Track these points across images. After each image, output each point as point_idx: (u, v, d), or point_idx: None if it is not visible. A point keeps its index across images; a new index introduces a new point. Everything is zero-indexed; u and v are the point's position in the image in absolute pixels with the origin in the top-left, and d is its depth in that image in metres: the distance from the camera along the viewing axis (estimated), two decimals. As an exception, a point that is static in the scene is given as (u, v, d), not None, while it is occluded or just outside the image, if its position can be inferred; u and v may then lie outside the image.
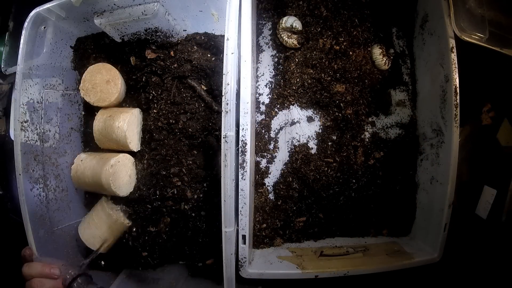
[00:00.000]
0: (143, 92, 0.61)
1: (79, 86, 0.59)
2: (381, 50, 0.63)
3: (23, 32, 0.54)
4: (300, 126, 0.65)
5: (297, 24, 0.62)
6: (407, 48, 0.68)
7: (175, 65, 0.57)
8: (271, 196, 0.64)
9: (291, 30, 0.62)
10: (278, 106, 0.64)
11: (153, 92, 0.58)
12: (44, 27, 0.56)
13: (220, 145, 0.44)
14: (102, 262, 0.63)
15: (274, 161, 0.64)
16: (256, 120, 0.64)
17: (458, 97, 0.54)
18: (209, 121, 0.57)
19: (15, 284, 0.51)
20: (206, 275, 0.61)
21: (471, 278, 0.60)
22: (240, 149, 0.48)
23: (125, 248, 0.60)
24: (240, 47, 0.48)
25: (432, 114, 0.60)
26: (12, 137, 0.65)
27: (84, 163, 0.58)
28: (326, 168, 0.63)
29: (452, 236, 0.55)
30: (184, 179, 0.58)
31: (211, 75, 0.57)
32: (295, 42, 0.62)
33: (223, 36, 0.46)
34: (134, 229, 0.60)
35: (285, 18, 0.62)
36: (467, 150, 0.64)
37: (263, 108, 0.65)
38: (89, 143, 0.64)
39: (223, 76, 0.44)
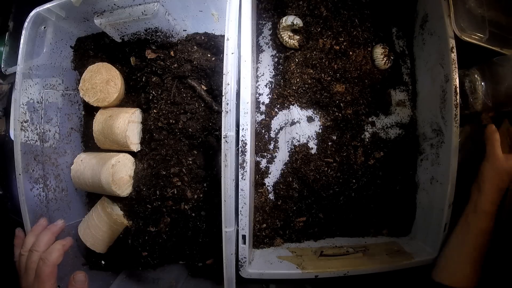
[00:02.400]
0: (143, 92, 0.61)
1: (79, 86, 0.59)
2: (383, 50, 0.63)
3: (23, 32, 0.54)
4: (300, 126, 0.65)
5: (298, 21, 0.62)
6: (407, 48, 0.68)
7: (175, 65, 0.57)
8: (271, 196, 0.64)
9: (293, 27, 0.62)
10: (278, 106, 0.64)
11: (153, 92, 0.58)
12: (44, 27, 0.56)
13: (220, 145, 0.44)
14: (102, 262, 0.63)
15: (274, 161, 0.64)
16: (256, 120, 0.64)
17: (458, 97, 0.54)
18: (209, 121, 0.57)
19: (15, 284, 0.51)
20: (206, 275, 0.61)
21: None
22: (240, 149, 0.48)
23: (125, 248, 0.60)
24: (240, 47, 0.48)
25: (432, 114, 0.60)
26: (12, 137, 0.65)
27: (84, 163, 0.58)
28: (326, 168, 0.63)
29: (452, 236, 0.55)
30: (184, 179, 0.58)
31: (211, 75, 0.57)
32: (296, 44, 0.62)
33: (223, 36, 0.46)
34: (134, 229, 0.60)
35: (285, 18, 0.62)
36: (467, 150, 0.64)
37: (263, 108, 0.65)
38: (89, 143, 0.64)
39: (223, 76, 0.44)
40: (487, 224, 0.51)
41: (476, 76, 0.60)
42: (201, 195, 0.58)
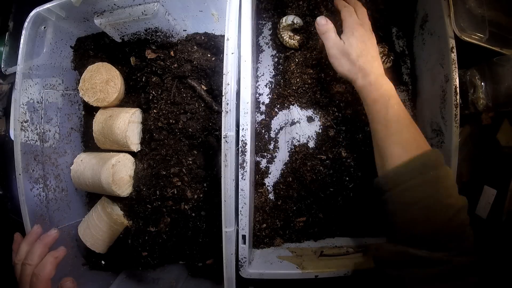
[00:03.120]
0: (143, 92, 0.61)
1: (79, 86, 0.59)
2: (382, 50, 0.63)
3: (23, 32, 0.54)
4: (300, 126, 0.65)
5: (298, 20, 0.62)
6: (407, 48, 0.68)
7: (175, 65, 0.57)
8: (271, 196, 0.64)
9: (293, 27, 0.62)
10: (278, 106, 0.64)
11: (153, 92, 0.58)
12: (44, 27, 0.56)
13: (220, 145, 0.44)
14: (102, 262, 0.63)
15: (274, 161, 0.64)
16: (256, 120, 0.64)
17: (458, 97, 0.53)
18: (209, 121, 0.57)
19: (15, 284, 0.51)
20: (206, 275, 0.61)
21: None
22: (240, 149, 0.48)
23: (125, 248, 0.60)
24: (240, 47, 0.48)
25: (432, 114, 0.60)
26: (12, 137, 0.65)
27: (84, 163, 0.58)
28: (321, 168, 0.63)
29: (452, 236, 0.55)
30: (184, 179, 0.58)
31: (211, 75, 0.57)
32: (296, 44, 0.62)
33: (223, 36, 0.46)
34: (134, 229, 0.60)
35: (285, 17, 0.62)
36: (467, 150, 0.64)
37: (263, 108, 0.65)
38: (89, 143, 0.65)
39: (223, 76, 0.44)
40: (385, 87, 0.52)
41: (476, 76, 0.60)
42: (201, 195, 0.58)
